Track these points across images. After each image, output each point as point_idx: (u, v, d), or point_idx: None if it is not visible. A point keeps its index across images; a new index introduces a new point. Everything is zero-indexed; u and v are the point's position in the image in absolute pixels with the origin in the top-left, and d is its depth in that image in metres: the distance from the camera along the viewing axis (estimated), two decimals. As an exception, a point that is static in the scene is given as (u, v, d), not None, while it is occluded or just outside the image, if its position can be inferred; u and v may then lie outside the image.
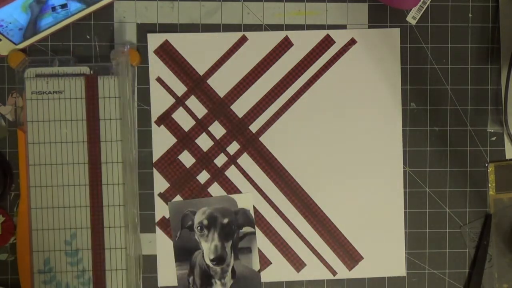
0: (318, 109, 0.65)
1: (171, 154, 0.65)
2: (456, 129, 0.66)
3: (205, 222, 0.64)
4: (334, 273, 0.66)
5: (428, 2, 0.65)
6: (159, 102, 0.65)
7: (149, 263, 0.65)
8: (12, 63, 0.63)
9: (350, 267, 0.66)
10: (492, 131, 0.66)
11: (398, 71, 0.66)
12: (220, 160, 0.65)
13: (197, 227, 0.64)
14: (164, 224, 0.65)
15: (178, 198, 0.65)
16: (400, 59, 0.66)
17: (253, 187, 0.65)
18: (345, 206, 0.65)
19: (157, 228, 0.65)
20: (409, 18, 0.66)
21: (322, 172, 0.65)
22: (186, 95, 0.65)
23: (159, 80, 0.65)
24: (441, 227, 0.66)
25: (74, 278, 0.63)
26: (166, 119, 0.65)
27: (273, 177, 0.65)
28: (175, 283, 0.65)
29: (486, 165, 0.66)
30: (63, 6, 0.59)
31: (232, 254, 0.65)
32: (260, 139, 0.65)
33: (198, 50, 0.65)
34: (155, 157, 0.65)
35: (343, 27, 0.66)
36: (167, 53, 0.65)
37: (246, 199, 0.65)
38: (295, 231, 0.65)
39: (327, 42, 0.65)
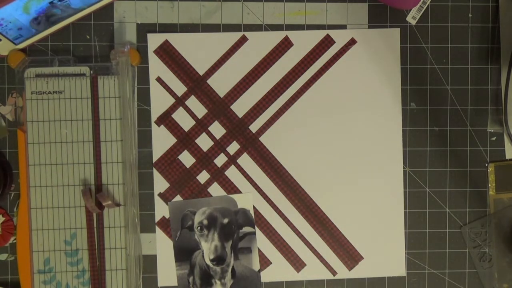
0: (318, 109, 0.65)
1: (171, 154, 0.65)
2: (456, 129, 0.66)
3: (205, 222, 0.64)
4: (334, 273, 0.66)
5: (428, 2, 0.65)
6: (159, 102, 0.65)
7: (149, 263, 0.65)
8: (12, 63, 0.63)
9: (350, 267, 0.66)
10: (492, 131, 0.66)
11: (398, 71, 0.66)
12: (220, 160, 0.65)
13: (197, 227, 0.64)
14: (164, 224, 0.65)
15: (178, 198, 0.65)
16: (400, 59, 0.66)
17: (253, 187, 0.65)
18: (345, 206, 0.65)
19: (157, 228, 0.65)
20: (409, 18, 0.66)
21: (322, 172, 0.65)
22: (186, 95, 0.65)
23: (159, 80, 0.65)
24: (441, 227, 0.66)
25: (74, 278, 0.63)
26: (166, 119, 0.65)
27: (273, 177, 0.65)
28: (175, 283, 0.65)
29: (486, 165, 0.66)
30: None
31: (232, 254, 0.65)
32: (260, 139, 0.65)
33: (198, 50, 0.65)
34: (155, 157, 0.65)
35: (343, 27, 0.66)
36: (167, 53, 0.65)
37: (246, 199, 0.65)
38: (295, 231, 0.65)
39: (327, 42, 0.65)
